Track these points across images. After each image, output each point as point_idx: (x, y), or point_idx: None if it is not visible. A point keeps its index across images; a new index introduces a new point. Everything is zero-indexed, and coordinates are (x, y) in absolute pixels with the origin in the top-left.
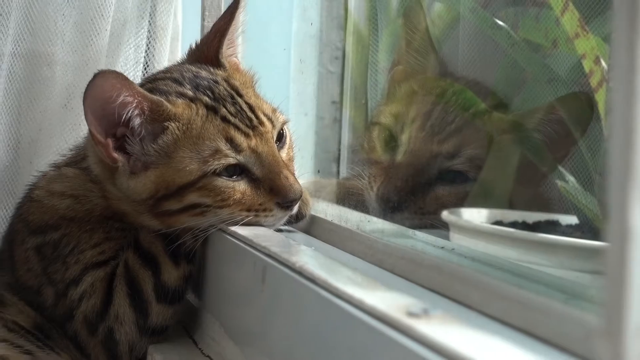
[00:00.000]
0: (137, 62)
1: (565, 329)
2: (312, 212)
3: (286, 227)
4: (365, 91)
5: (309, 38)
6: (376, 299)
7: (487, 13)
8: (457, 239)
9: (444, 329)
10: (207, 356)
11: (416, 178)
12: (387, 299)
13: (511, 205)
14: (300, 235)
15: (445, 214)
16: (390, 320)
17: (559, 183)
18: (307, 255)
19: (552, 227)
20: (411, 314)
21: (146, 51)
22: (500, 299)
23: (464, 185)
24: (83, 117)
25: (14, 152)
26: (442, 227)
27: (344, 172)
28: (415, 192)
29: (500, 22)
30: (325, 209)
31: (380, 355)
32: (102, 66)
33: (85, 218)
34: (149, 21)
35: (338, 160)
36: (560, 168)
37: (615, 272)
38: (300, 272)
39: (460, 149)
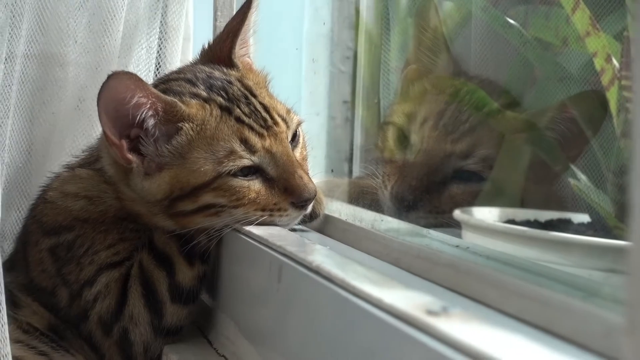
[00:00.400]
0: (149, 63)
1: (585, 327)
2: (326, 212)
3: (300, 227)
4: (377, 90)
5: (321, 38)
6: (395, 297)
7: (498, 12)
8: (470, 238)
9: (464, 327)
10: (222, 356)
11: (430, 177)
12: (406, 298)
13: (524, 204)
14: (315, 235)
15: (457, 213)
16: (410, 319)
17: (572, 181)
18: (323, 254)
19: (564, 225)
20: (431, 312)
21: (158, 52)
22: (518, 297)
23: (478, 185)
24: (96, 118)
25: (27, 153)
26: (454, 226)
27: (356, 171)
28: (429, 191)
29: (511, 21)
30: (340, 209)
31: (399, 354)
32: (115, 67)
33: (100, 219)
34: (160, 22)
35: (350, 159)
36: (573, 166)
37: (639, 271)
38: (317, 272)
39: (474, 149)
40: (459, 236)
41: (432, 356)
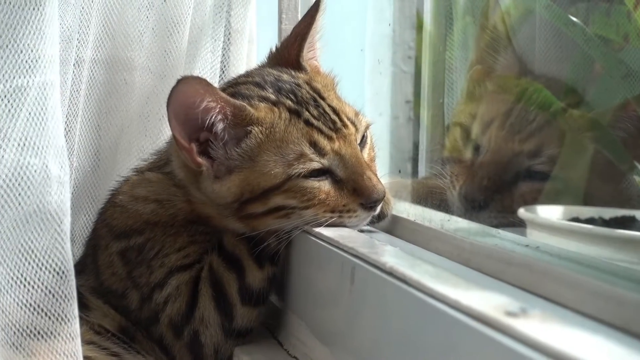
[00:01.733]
0: (214, 67)
1: None
2: (394, 212)
3: (368, 227)
4: (441, 90)
5: (385, 38)
6: (471, 298)
7: (560, 9)
8: (535, 236)
9: (544, 328)
10: (294, 357)
11: (500, 176)
12: (483, 299)
13: (589, 202)
14: (383, 235)
15: (522, 212)
16: (490, 320)
17: (637, 179)
18: (395, 255)
19: (629, 222)
20: (510, 314)
21: (223, 55)
22: (594, 296)
23: (546, 184)
24: (163, 121)
25: (95, 158)
26: (518, 225)
27: (421, 171)
28: (500, 190)
29: (573, 18)
30: (407, 209)
31: (478, 355)
32: (181, 71)
33: (169, 222)
34: (225, 25)
35: (412, 159)
36: (638, 164)
37: None
38: (390, 273)
39: (542, 148)
40: (523, 234)
41: (513, 358)
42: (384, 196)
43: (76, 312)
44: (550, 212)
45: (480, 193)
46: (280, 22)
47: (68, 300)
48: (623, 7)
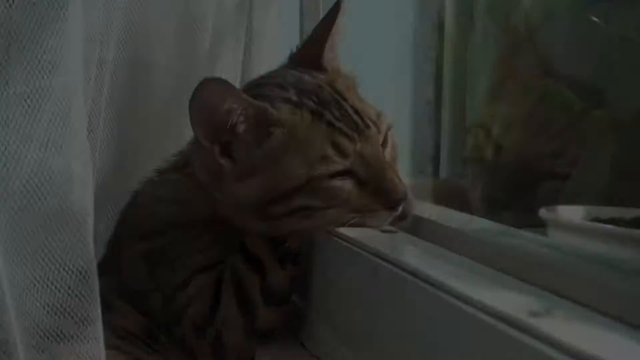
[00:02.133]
0: (235, 68)
1: None
2: (415, 213)
3: (389, 227)
4: (462, 91)
5: (405, 38)
6: (495, 299)
7: (582, 9)
8: (557, 237)
9: (569, 328)
10: (316, 357)
11: (522, 177)
12: (506, 299)
13: (612, 203)
14: (404, 236)
15: (543, 212)
16: (514, 321)
17: None
18: (417, 256)
19: None
20: (534, 314)
21: (244, 56)
22: (619, 297)
23: (568, 184)
24: (185, 122)
25: (117, 158)
26: (538, 225)
27: (442, 172)
28: (521, 191)
29: (595, 18)
30: (429, 209)
31: (502, 356)
32: (203, 72)
33: (191, 223)
34: (246, 26)
35: (433, 160)
36: None
37: None
38: (413, 274)
39: (564, 149)
40: (544, 235)
41: (537, 359)
42: (406, 196)
43: (99, 313)
44: (571, 213)
45: (501, 193)
46: (301, 22)
47: (91, 301)
48: None
